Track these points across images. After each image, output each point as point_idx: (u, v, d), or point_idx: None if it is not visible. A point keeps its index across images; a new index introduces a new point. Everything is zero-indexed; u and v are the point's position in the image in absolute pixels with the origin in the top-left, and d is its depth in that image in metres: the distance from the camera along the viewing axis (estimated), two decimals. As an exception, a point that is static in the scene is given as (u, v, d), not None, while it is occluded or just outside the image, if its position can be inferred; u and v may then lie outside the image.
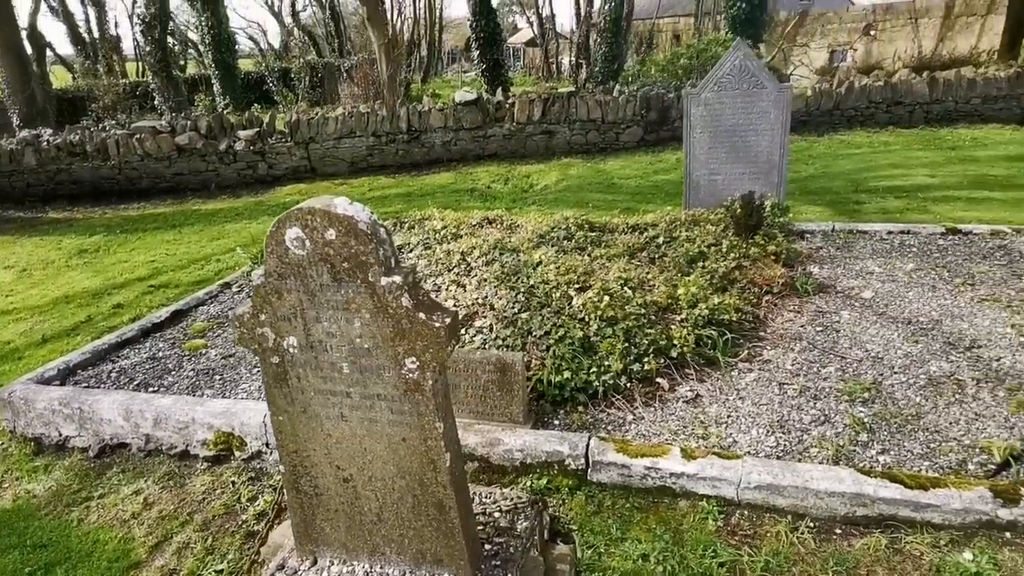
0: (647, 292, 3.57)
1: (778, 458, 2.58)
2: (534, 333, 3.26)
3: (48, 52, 24.08)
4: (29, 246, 7.75)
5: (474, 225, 5.18)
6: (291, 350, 1.76)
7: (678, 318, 3.40)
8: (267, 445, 2.92)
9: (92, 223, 8.74)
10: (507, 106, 10.23)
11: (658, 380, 3.09)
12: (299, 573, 1.96)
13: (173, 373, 3.70)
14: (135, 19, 20.05)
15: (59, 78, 25.19)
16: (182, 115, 12.06)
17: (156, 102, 16.67)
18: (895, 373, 3.11)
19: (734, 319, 3.44)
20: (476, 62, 15.93)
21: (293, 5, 36.81)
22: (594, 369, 3.04)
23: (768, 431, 2.75)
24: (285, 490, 1.98)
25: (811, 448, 2.63)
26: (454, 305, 3.75)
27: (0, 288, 6.17)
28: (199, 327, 4.31)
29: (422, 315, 1.57)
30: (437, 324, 1.57)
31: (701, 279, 3.76)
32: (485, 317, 3.56)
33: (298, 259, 1.60)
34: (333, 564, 1.97)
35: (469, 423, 2.82)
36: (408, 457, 1.76)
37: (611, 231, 4.72)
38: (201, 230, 7.83)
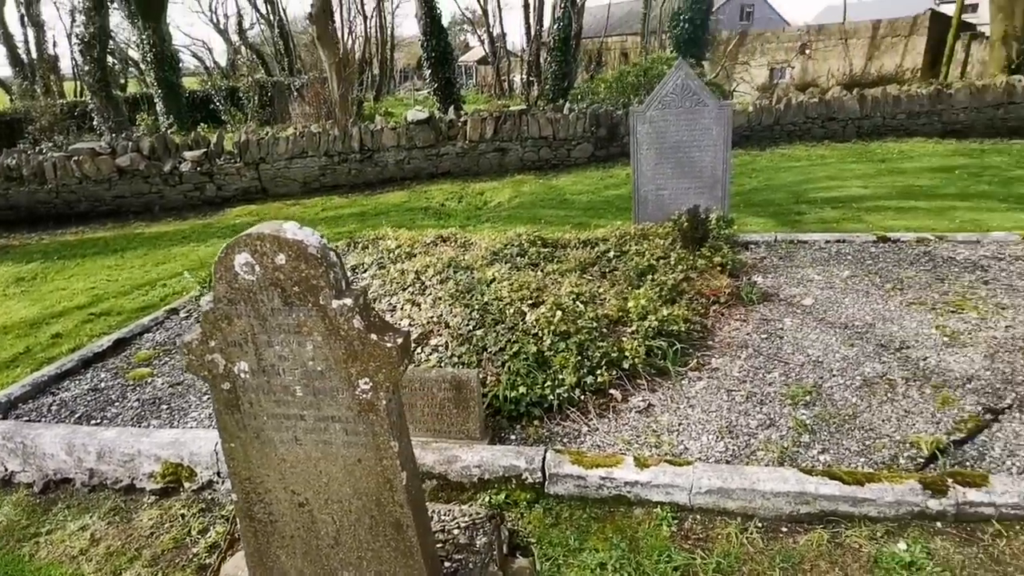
0: (599, 306, 3.66)
1: (727, 462, 2.68)
2: (489, 349, 3.30)
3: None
4: (-42, 275, 7.36)
5: (428, 244, 5.20)
6: (242, 375, 1.75)
7: (629, 330, 3.50)
8: (218, 474, 2.86)
9: (29, 250, 8.37)
10: (459, 124, 10.32)
11: (611, 391, 3.17)
12: (254, 602, 1.93)
13: (117, 404, 3.58)
14: (74, 38, 19.41)
15: (-4, 100, 24.11)
16: (123, 136, 11.70)
17: (95, 123, 16.12)
18: (834, 376, 3.27)
19: (683, 329, 3.56)
20: (428, 81, 16.04)
21: (240, 23, 36.32)
22: (548, 383, 3.10)
23: (717, 437, 2.85)
24: (238, 519, 1.95)
25: (758, 451, 2.74)
26: (409, 324, 3.76)
27: (-74, 321, 5.83)
28: (144, 355, 4.18)
29: (374, 336, 1.59)
30: (389, 344, 1.59)
31: (651, 291, 3.88)
32: (440, 335, 3.58)
33: (248, 284, 1.60)
34: (290, 591, 1.95)
35: (426, 441, 2.83)
36: (364, 478, 1.77)
37: (563, 247, 4.81)
38: (145, 254, 7.60)
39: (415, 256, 4.85)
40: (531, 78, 22.37)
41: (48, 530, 2.77)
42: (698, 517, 2.49)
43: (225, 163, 10.03)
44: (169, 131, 15.25)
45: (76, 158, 9.62)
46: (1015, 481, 2.36)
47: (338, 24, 28.27)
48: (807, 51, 24.73)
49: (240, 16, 36.41)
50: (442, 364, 3.34)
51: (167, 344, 4.36)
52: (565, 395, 3.05)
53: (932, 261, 4.75)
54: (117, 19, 20.83)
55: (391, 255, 4.95)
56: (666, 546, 2.35)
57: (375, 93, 30.10)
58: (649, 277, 4.15)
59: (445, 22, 15.93)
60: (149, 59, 17.06)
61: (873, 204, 7.10)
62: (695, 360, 3.48)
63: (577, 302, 3.61)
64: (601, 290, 3.87)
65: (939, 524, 2.34)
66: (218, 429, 1.84)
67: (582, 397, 3.09)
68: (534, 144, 10.43)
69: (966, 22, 20.02)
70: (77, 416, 3.44)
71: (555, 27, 16.46)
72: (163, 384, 3.77)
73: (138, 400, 3.60)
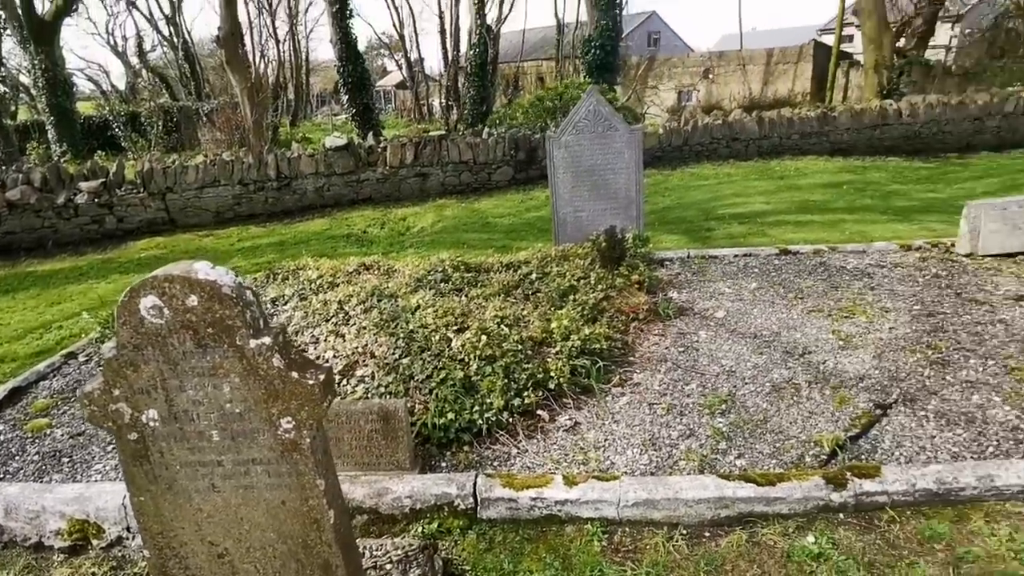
0: (523, 328, 3.73)
1: (651, 474, 2.79)
2: (416, 377, 3.29)
3: None
4: None
5: (351, 272, 5.12)
6: (152, 424, 1.67)
7: (553, 351, 3.58)
8: (128, 530, 2.68)
9: (-102, 294, 7.54)
10: (379, 150, 10.27)
11: (539, 412, 3.23)
12: (173, 664, 1.82)
13: (17, 458, 3.29)
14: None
15: None
16: (13, 167, 10.83)
17: (-21, 154, 14.86)
18: (746, 384, 3.48)
19: (605, 347, 3.68)
20: (346, 107, 15.86)
21: (140, 45, 34.59)
22: (477, 408, 3.12)
23: (641, 450, 2.96)
24: None
25: (680, 461, 2.87)
26: (334, 355, 3.68)
27: None
28: (41, 404, 3.87)
29: (295, 374, 1.57)
30: (311, 382, 1.57)
31: (573, 311, 4.00)
32: (366, 365, 3.53)
33: (156, 328, 1.55)
34: (212, 647, 1.85)
35: (355, 475, 2.78)
36: (289, 520, 1.72)
37: (487, 271, 4.87)
38: (38, 294, 7.03)
39: (338, 286, 4.77)
40: (450, 103, 22.59)
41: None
42: (627, 529, 2.57)
43: (127, 193, 9.48)
44: (62, 160, 14.27)
45: (-45, 192, 8.81)
46: (903, 470, 2.59)
47: (249, 47, 27.52)
48: (710, 76, 26.37)
49: (140, 38, 34.61)
50: (369, 395, 3.30)
51: (66, 392, 4.05)
52: (494, 419, 3.08)
53: (827, 271, 5.15)
54: (9, 45, 19.44)
55: (313, 285, 4.84)
56: (598, 561, 2.40)
57: (291, 118, 29.41)
58: (571, 297, 4.27)
59: (362, 47, 15.85)
60: (40, 84, 15.96)
61: (775, 219, 7.61)
62: (618, 376, 3.60)
63: (502, 325, 3.67)
64: (525, 312, 3.95)
65: (842, 515, 2.53)
66: (126, 482, 1.74)
67: (510, 420, 3.13)
68: (455, 168, 10.51)
69: (844, 51, 21.98)
70: (-37, 477, 3.13)
71: (471, 53, 16.72)
72: (63, 435, 3.50)
73: (38, 453, 3.33)
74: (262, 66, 31.51)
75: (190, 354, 1.56)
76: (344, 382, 3.46)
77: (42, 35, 15.87)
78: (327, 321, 4.13)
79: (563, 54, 26.67)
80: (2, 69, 20.18)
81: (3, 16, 16.88)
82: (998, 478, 2.52)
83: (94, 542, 2.70)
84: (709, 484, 2.60)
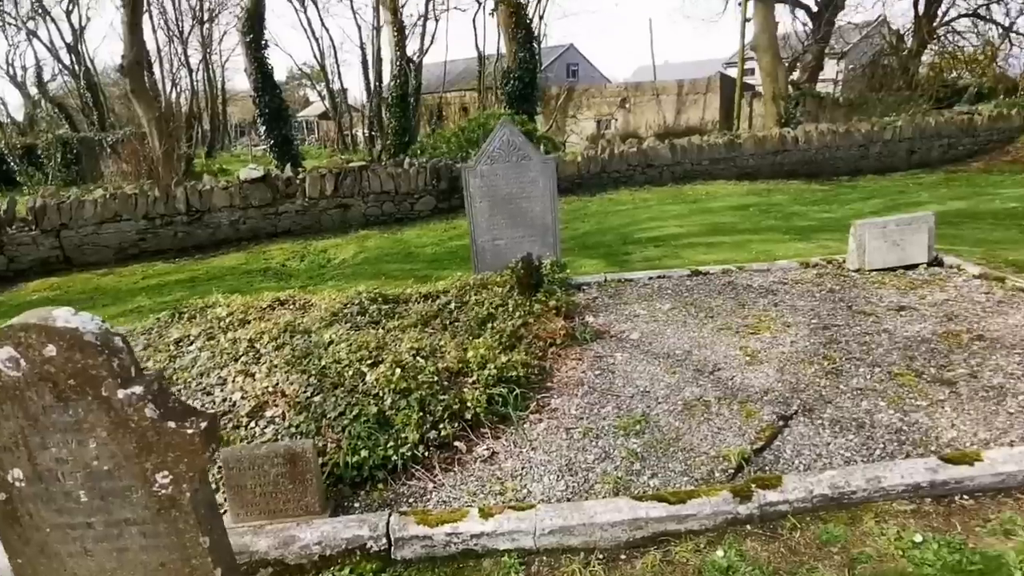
0: (440, 359, 3.69)
1: (568, 500, 2.79)
2: (328, 415, 3.18)
3: None
4: None
5: (264, 308, 4.93)
6: (17, 484, 1.53)
7: (470, 380, 3.56)
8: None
9: None
10: (298, 182, 10.03)
11: (456, 444, 3.18)
12: None
13: None
14: None
15: None
16: None
17: None
18: (659, 403, 3.57)
19: (522, 374, 3.69)
20: (264, 137, 15.44)
21: (39, 74, 32.55)
22: (391, 443, 3.04)
23: (558, 476, 2.96)
24: (16, 656, 1.66)
25: (596, 485, 2.89)
26: (242, 397, 3.51)
27: None
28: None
29: (171, 424, 1.48)
30: (190, 431, 1.49)
31: (491, 340, 4.00)
32: (277, 406, 3.38)
33: (13, 382, 1.42)
34: None
35: (260, 525, 2.63)
36: (171, 582, 1.60)
37: (405, 302, 4.81)
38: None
39: (249, 323, 4.58)
40: (373, 133, 22.46)
41: None
42: (544, 558, 2.55)
43: (18, 231, 8.80)
44: (-55, 198, 13.10)
45: None
46: (801, 478, 2.72)
47: (159, 76, 26.45)
48: (627, 105, 27.53)
49: (39, 67, 32.56)
50: (279, 436, 3.15)
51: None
52: (409, 454, 3.01)
53: (735, 289, 5.41)
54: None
55: (222, 324, 4.62)
56: (514, 594, 2.37)
57: (207, 149, 28.35)
58: (489, 325, 4.27)
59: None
60: (-82, 116, 14.66)
61: (688, 241, 7.96)
62: (535, 403, 3.61)
63: (418, 357, 3.62)
64: (442, 343, 3.92)
65: (749, 527, 2.61)
66: (1, 544, 1.58)
67: (426, 454, 3.07)
68: (377, 199, 10.41)
69: (748, 83, 23.55)
70: None
71: (392, 84, 16.76)
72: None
73: None
74: (174, 95, 30.33)
75: (51, 408, 1.44)
76: (252, 424, 3.30)
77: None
78: (236, 360, 3.95)
79: (485, 85, 27.14)
80: None
81: None
82: (884, 479, 2.68)
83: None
84: (623, 506, 2.63)
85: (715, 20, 42.66)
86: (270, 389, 3.49)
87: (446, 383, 3.48)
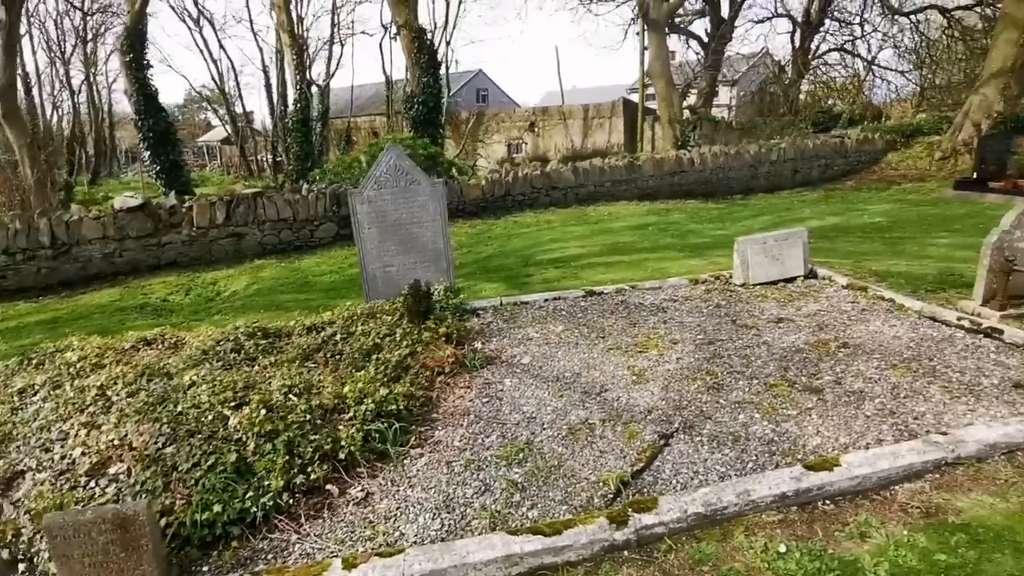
0: (315, 396, 3.46)
1: (443, 540, 2.64)
2: (180, 468, 2.88)
3: None
4: None
5: (126, 350, 4.50)
6: None
7: (347, 417, 3.35)
8: None
9: None
10: (184, 211, 9.42)
11: (327, 487, 2.97)
12: None
13: None
14: None
15: None
16: None
17: None
18: (544, 429, 3.50)
19: (404, 407, 3.52)
20: (148, 163, 14.48)
21: None
22: (251, 494, 2.79)
23: (435, 514, 2.81)
24: None
25: (473, 521, 2.76)
26: (83, 453, 3.13)
27: None
28: None
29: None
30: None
31: (375, 372, 3.81)
32: (122, 460, 3.03)
33: None
34: None
35: (87, 602, 2.31)
36: None
37: (288, 335, 4.54)
38: None
39: (105, 367, 4.15)
40: (278, 159, 21.69)
41: None
42: (414, 607, 2.38)
43: None
44: None
45: None
46: (676, 497, 2.71)
47: (37, 98, 24.44)
48: (536, 129, 28.14)
49: None
50: (122, 496, 2.82)
51: None
52: (271, 503, 2.76)
53: (627, 308, 5.49)
54: None
55: (72, 369, 4.17)
56: (377, 652, 2.18)
57: (92, 176, 26.35)
58: (374, 357, 4.08)
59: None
60: None
61: (587, 261, 8.08)
62: (417, 436, 3.45)
63: (290, 395, 3.38)
64: (320, 378, 3.69)
65: (626, 553, 2.56)
66: None
67: (291, 501, 2.83)
68: (274, 227, 9.95)
69: (649, 108, 24.69)
70: None
71: (293, 108, 16.25)
72: None
73: None
74: (53, 118, 28.10)
75: None
76: (92, 484, 2.94)
77: None
78: (82, 411, 3.54)
79: (394, 110, 26.98)
80: None
81: None
82: (754, 492, 2.72)
83: None
84: (497, 543, 2.51)
85: (616, 48, 44.69)
86: (116, 442, 3.14)
87: (319, 422, 3.26)
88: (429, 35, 16.34)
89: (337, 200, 10.34)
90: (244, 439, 3.04)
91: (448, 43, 23.88)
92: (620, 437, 3.35)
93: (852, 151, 16.54)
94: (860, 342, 4.37)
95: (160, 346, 4.60)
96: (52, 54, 28.53)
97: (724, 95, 32.70)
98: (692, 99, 24.05)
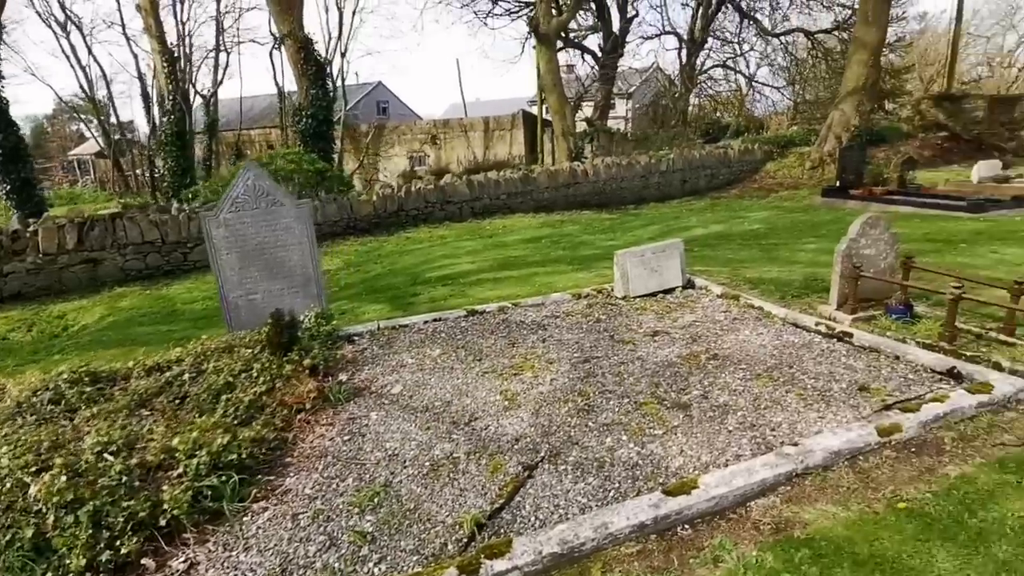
0: (139, 452, 3.05)
1: (274, 611, 2.36)
2: (-47, 555, 2.41)
3: None
4: None
5: (-79, 406, 3.84)
6: None
7: (176, 473, 2.98)
8: None
9: None
10: (28, 235, 8.41)
11: (143, 562, 2.59)
12: None
13: None
14: None
15: None
16: None
17: None
18: (405, 467, 3.28)
19: (246, 455, 3.18)
20: (-4, 182, 12.91)
21: None
22: (50, 575, 2.38)
23: (268, 581, 2.51)
24: None
25: (313, 584, 2.49)
26: None
27: None
28: None
29: None
30: None
31: (223, 415, 3.44)
32: None
33: None
34: None
35: None
36: None
37: (124, 378, 4.05)
38: None
39: None
40: (155, 174, 20.12)
41: None
42: None
43: None
44: None
45: None
46: (532, 538, 2.57)
47: None
48: (438, 141, 27.92)
49: None
50: None
51: None
52: (67, 589, 2.36)
53: (508, 327, 5.37)
54: None
55: None
56: None
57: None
58: (224, 397, 3.71)
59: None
60: None
61: (477, 278, 7.94)
62: (263, 487, 3.12)
63: (104, 454, 2.95)
64: (147, 429, 3.27)
65: (478, 605, 2.38)
66: None
67: (94, 584, 2.44)
68: (138, 251, 9.10)
69: (547, 120, 25.14)
70: None
71: (166, 120, 15.10)
72: None
73: None
74: None
75: None
76: None
77: None
78: None
79: (286, 122, 25.84)
80: None
81: None
82: (612, 524, 2.63)
83: None
84: (332, 611, 2.26)
85: (515, 61, 45.38)
86: None
87: (139, 483, 2.87)
88: (317, 45, 15.73)
89: (212, 220, 9.62)
90: (44, 510, 2.60)
91: (344, 55, 23.20)
92: (484, 471, 3.19)
93: (735, 161, 17.54)
94: (729, 353, 4.47)
95: (-32, 399, 3.97)
96: None
97: (621, 107, 33.95)
98: (589, 111, 24.73)
